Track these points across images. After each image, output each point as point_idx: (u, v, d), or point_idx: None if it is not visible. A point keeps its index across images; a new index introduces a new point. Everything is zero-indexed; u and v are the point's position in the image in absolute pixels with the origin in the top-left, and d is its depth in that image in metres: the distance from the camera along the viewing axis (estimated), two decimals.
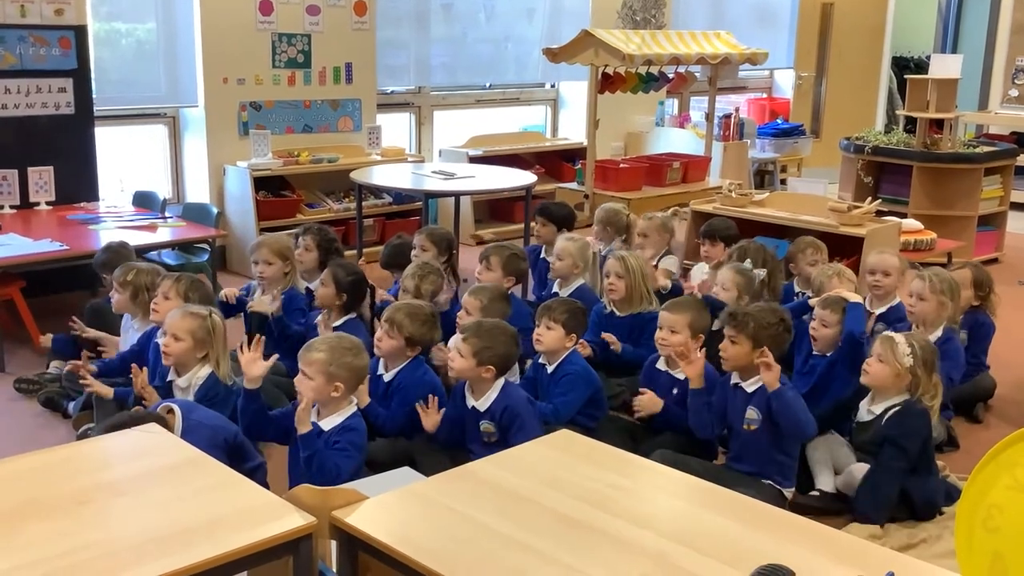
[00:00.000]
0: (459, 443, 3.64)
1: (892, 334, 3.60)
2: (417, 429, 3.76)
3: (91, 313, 4.72)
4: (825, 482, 3.65)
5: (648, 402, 3.86)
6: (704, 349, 3.76)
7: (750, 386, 3.57)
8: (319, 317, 4.35)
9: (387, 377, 3.82)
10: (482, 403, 3.58)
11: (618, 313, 4.56)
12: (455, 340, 3.62)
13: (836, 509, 3.55)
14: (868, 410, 3.63)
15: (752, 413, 3.53)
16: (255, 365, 3.32)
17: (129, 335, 4.32)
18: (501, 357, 3.55)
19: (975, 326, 4.56)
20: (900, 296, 4.59)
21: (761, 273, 4.63)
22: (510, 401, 3.55)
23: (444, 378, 4.03)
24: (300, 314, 4.54)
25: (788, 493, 3.54)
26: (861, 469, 3.54)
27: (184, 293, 4.00)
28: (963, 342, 4.58)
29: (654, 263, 5.36)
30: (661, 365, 3.97)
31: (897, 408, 3.53)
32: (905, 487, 3.49)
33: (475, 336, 3.54)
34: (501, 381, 3.60)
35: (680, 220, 6.09)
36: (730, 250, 5.01)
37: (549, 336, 3.90)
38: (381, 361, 3.86)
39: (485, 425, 3.56)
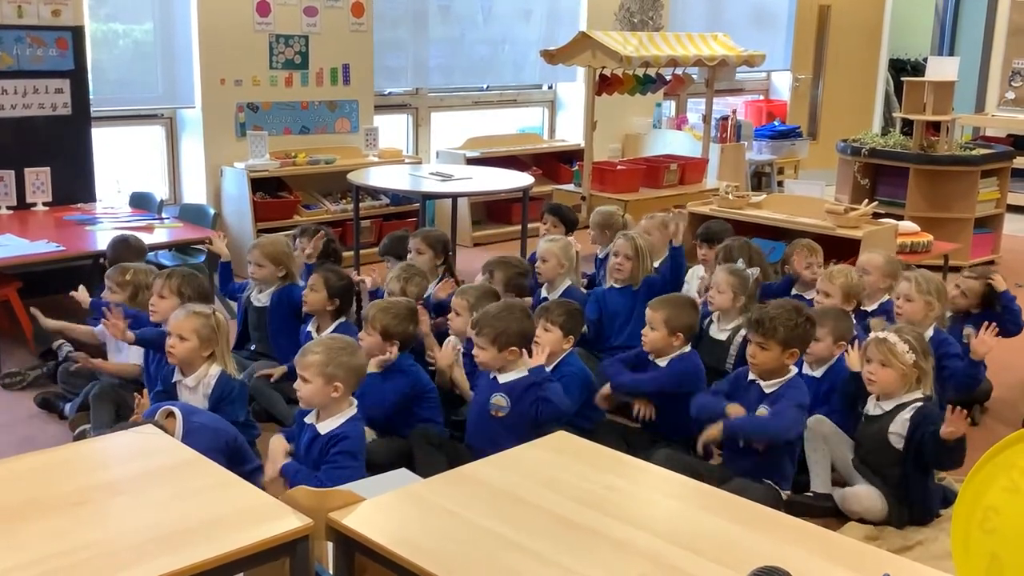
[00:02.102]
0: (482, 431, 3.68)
1: (884, 335, 3.57)
2: (411, 423, 3.80)
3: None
4: (820, 484, 3.65)
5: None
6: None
7: (769, 387, 3.56)
8: (310, 325, 4.34)
9: (371, 370, 3.82)
10: (504, 377, 3.61)
11: (617, 286, 4.75)
12: (472, 336, 3.65)
13: (830, 509, 3.55)
14: (877, 404, 3.60)
15: (764, 412, 3.51)
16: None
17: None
18: (518, 335, 3.59)
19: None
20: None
21: (755, 272, 4.65)
22: (537, 378, 3.56)
23: (438, 379, 4.05)
24: (292, 311, 4.53)
25: (784, 495, 3.54)
26: (857, 494, 3.52)
27: (178, 289, 4.01)
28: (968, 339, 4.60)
29: (656, 265, 5.39)
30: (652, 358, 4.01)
31: (917, 408, 3.50)
32: (906, 487, 3.49)
33: (487, 325, 3.58)
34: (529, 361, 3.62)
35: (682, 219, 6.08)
36: (715, 250, 5.05)
37: (547, 338, 3.90)
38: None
39: (497, 398, 3.58)
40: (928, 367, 3.56)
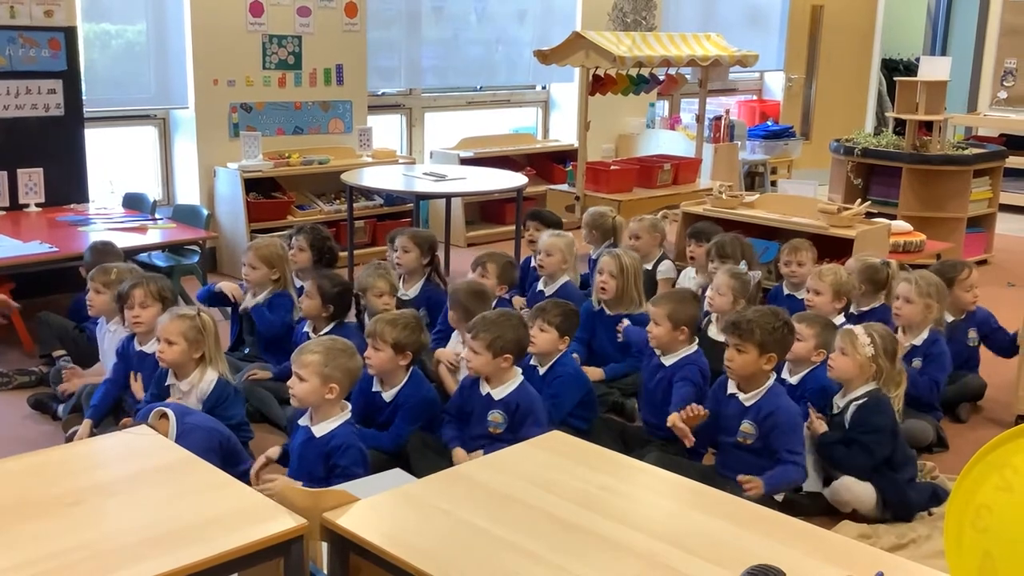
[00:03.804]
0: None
1: (852, 327, 3.65)
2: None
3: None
4: (811, 484, 3.66)
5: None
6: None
7: (748, 399, 3.52)
8: (306, 326, 4.34)
9: (387, 396, 3.74)
10: (498, 392, 3.58)
11: (607, 312, 4.59)
12: (467, 340, 3.63)
13: (823, 508, 3.56)
14: (837, 404, 3.66)
15: (748, 427, 3.49)
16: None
17: (107, 339, 4.28)
18: (514, 342, 3.57)
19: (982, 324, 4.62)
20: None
21: (757, 275, 4.65)
22: (526, 397, 3.57)
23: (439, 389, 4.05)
24: (283, 310, 4.52)
25: (779, 497, 3.53)
26: (847, 484, 3.53)
27: (158, 294, 3.98)
28: (974, 342, 4.59)
29: (649, 266, 5.41)
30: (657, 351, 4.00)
31: (860, 403, 3.55)
32: (877, 484, 3.50)
33: (484, 330, 3.55)
34: (520, 377, 3.62)
35: (670, 222, 6.11)
36: (707, 246, 5.06)
37: (543, 338, 3.90)
38: (376, 379, 3.77)
39: (494, 415, 3.56)
40: (887, 366, 3.58)
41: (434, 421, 3.81)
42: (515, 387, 3.59)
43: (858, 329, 3.61)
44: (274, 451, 3.41)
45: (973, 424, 4.46)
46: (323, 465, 3.22)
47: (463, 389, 3.74)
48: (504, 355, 3.55)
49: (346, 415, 3.30)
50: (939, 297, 4.29)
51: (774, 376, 3.59)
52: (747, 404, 3.52)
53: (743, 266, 4.66)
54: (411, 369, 3.76)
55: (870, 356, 3.55)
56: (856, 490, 3.51)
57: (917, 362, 4.22)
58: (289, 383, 3.30)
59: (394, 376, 3.74)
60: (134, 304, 3.95)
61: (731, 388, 3.59)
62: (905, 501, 3.52)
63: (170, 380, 3.68)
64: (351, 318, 4.46)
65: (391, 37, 7.71)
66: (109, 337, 4.26)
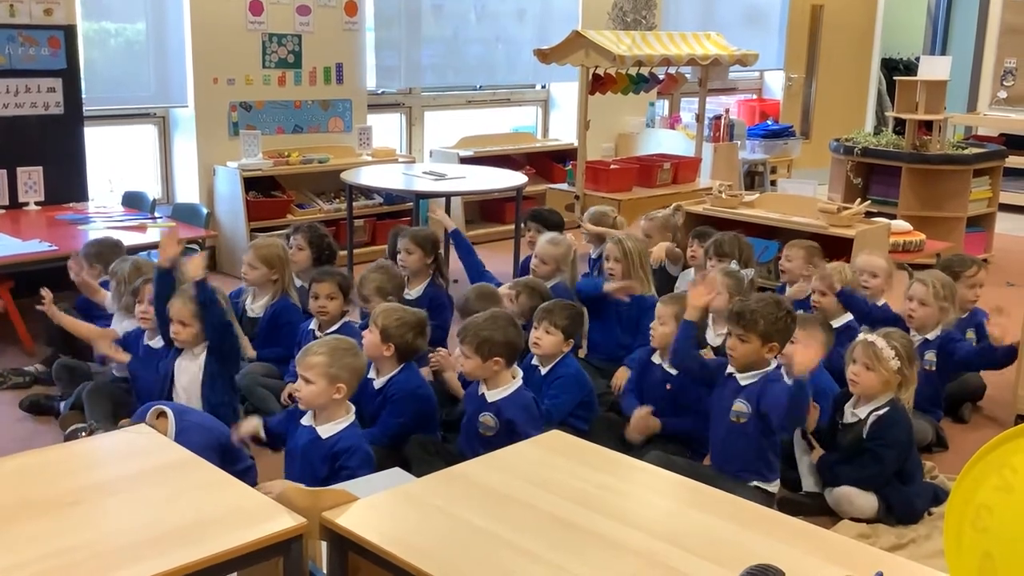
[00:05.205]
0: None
1: (873, 338, 3.57)
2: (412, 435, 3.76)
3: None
4: (810, 484, 3.66)
5: (641, 423, 3.79)
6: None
7: (745, 379, 3.52)
8: (312, 323, 4.33)
9: (377, 384, 3.75)
10: (492, 394, 3.57)
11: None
12: (459, 344, 3.63)
13: (823, 508, 3.56)
14: (852, 412, 3.62)
15: (742, 406, 3.49)
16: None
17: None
18: (503, 344, 3.54)
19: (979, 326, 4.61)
20: (887, 298, 4.62)
21: (750, 273, 4.65)
22: (521, 405, 3.55)
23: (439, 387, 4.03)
24: (290, 327, 4.47)
25: (773, 488, 3.53)
26: (848, 494, 3.53)
27: None
28: (971, 343, 4.59)
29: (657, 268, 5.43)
30: (656, 358, 3.96)
31: (880, 415, 3.52)
32: (885, 495, 3.50)
33: (471, 333, 3.54)
34: (518, 383, 3.59)
35: (682, 216, 6.08)
36: (705, 245, 5.06)
37: (548, 340, 3.89)
38: (372, 366, 3.79)
39: (485, 417, 3.54)
40: (912, 374, 3.56)
41: (428, 421, 3.80)
42: (509, 392, 3.56)
43: (879, 341, 3.53)
44: (256, 425, 3.42)
45: (973, 424, 4.46)
46: (327, 466, 3.21)
47: (470, 395, 3.73)
48: (493, 358, 3.53)
49: (351, 417, 3.29)
50: (952, 299, 4.29)
51: (775, 363, 3.59)
52: (744, 384, 3.51)
53: (734, 265, 4.66)
54: (407, 363, 3.77)
55: (896, 369, 3.51)
56: (857, 502, 3.50)
57: (931, 354, 4.21)
58: (296, 386, 3.30)
59: (385, 365, 3.76)
60: (144, 299, 4.00)
61: (729, 368, 3.59)
62: (911, 510, 3.52)
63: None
64: (355, 317, 4.46)
65: (391, 36, 7.71)
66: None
